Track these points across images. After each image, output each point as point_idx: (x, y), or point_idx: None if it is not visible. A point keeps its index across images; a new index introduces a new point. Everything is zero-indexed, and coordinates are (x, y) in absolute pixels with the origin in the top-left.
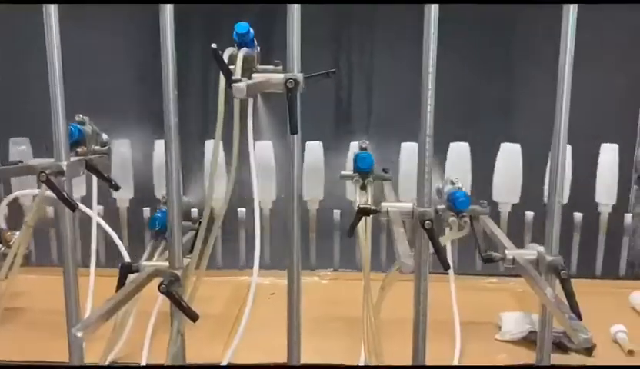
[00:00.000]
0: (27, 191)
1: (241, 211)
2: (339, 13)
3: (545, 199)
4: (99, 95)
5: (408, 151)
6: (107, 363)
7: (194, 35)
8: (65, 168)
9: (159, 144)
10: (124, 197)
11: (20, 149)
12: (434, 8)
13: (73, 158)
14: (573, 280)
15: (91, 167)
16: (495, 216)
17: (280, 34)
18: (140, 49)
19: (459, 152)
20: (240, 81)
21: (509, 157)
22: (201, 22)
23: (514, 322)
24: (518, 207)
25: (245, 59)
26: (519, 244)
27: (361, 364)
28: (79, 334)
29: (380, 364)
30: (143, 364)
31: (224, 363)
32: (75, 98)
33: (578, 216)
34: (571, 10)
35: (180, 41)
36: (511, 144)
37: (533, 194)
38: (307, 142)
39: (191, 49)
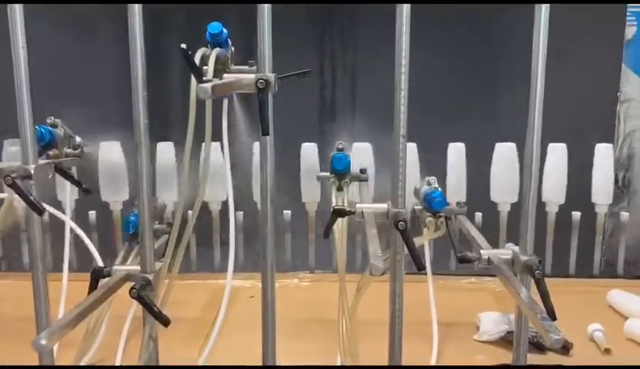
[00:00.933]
0: None
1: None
2: (323, 13)
3: (547, 198)
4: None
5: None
6: None
7: (175, 36)
8: (32, 172)
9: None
10: (117, 200)
11: (13, 150)
12: (405, 8)
13: (42, 161)
14: (550, 279)
15: (60, 171)
16: (495, 215)
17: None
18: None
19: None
20: (210, 81)
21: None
22: (183, 22)
23: (492, 322)
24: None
25: (218, 60)
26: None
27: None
28: (43, 342)
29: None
30: None
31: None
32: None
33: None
34: (543, 10)
35: (162, 42)
36: (506, 143)
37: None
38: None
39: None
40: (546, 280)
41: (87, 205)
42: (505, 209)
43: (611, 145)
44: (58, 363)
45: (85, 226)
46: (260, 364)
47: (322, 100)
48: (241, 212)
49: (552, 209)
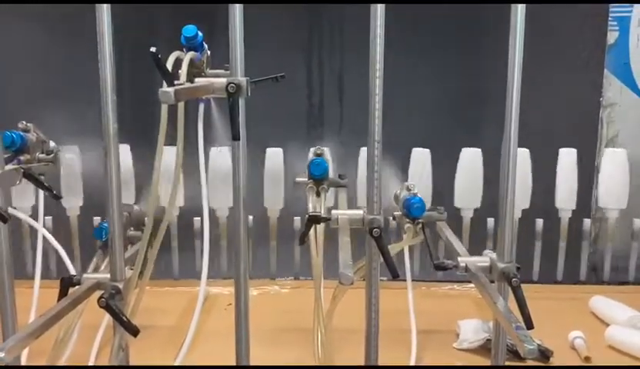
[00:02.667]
0: None
1: (197, 220)
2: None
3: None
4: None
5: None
6: None
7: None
8: None
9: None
10: (74, 205)
11: None
12: (380, 8)
13: (8, 167)
14: (536, 286)
15: (29, 176)
16: (458, 221)
17: (249, 37)
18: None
19: (420, 158)
20: (181, 85)
21: (471, 162)
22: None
23: (472, 330)
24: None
25: (193, 63)
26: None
27: None
28: (2, 354)
29: None
30: None
31: None
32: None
33: (539, 222)
34: (519, 10)
35: (145, 44)
36: (471, 149)
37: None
38: (267, 148)
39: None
40: (532, 286)
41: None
42: (467, 215)
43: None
44: None
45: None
46: None
47: (310, 105)
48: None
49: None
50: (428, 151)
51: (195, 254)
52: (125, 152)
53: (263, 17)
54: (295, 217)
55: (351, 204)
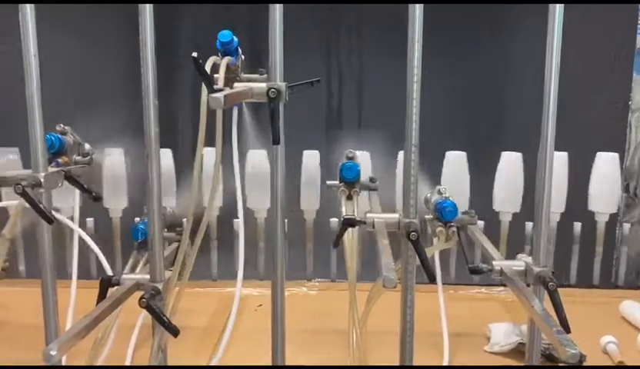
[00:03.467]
0: (6, 203)
1: (237, 221)
2: (329, 20)
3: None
4: (89, 102)
5: None
6: None
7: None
8: (42, 180)
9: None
10: (116, 208)
11: (10, 159)
12: (418, 9)
13: (51, 169)
14: (570, 290)
15: (70, 178)
16: (496, 225)
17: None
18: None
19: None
20: (221, 90)
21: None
22: (192, 30)
23: (503, 333)
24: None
25: (229, 68)
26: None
27: None
28: (53, 353)
29: None
30: None
31: None
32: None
33: (576, 225)
34: (557, 10)
35: (172, 50)
36: (511, 152)
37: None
38: (304, 151)
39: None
40: (566, 290)
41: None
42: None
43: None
44: None
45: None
46: None
47: (329, 107)
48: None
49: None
50: (464, 154)
51: (234, 255)
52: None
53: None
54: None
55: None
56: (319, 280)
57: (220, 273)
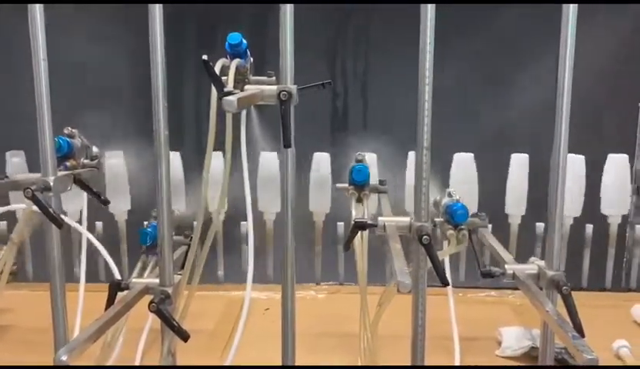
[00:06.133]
0: (14, 206)
1: (244, 224)
2: (336, 22)
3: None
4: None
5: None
6: None
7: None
8: (51, 184)
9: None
10: (121, 210)
11: (15, 162)
12: (430, 8)
13: (61, 173)
14: (583, 293)
15: (79, 182)
16: (506, 228)
17: (274, 44)
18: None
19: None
20: (232, 93)
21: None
22: (197, 32)
23: (514, 338)
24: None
25: (238, 70)
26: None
27: None
28: (64, 358)
29: None
30: None
31: None
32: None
33: (588, 228)
34: (571, 10)
35: (180, 52)
36: (519, 154)
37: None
38: (314, 153)
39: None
40: (578, 293)
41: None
42: (515, 221)
43: None
44: None
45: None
46: None
47: (335, 109)
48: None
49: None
50: (471, 155)
51: (241, 258)
52: (176, 159)
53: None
54: (339, 223)
55: None
56: (328, 283)
57: (226, 276)
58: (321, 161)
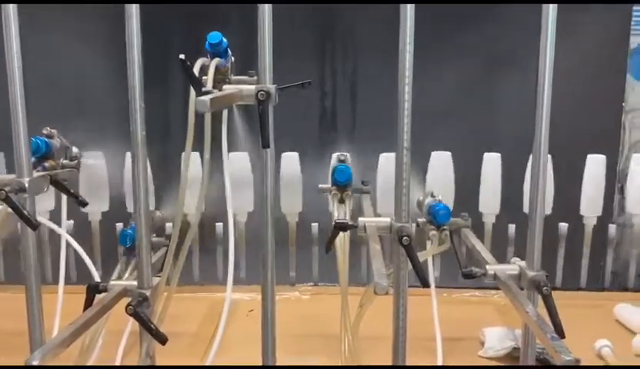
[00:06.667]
0: None
1: (219, 225)
2: (322, 22)
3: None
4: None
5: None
6: None
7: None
8: (26, 185)
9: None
10: (96, 211)
11: None
12: (409, 8)
13: (36, 174)
14: (558, 292)
15: (56, 183)
16: (480, 227)
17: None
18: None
19: (442, 162)
20: (210, 92)
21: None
22: (181, 32)
23: (497, 338)
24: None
25: (218, 70)
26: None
27: None
28: (35, 363)
29: None
30: None
31: None
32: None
33: (562, 227)
34: (551, 10)
35: (161, 52)
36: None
37: (514, 205)
38: (282, 153)
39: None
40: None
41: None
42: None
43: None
44: None
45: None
46: None
47: (323, 109)
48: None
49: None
50: (449, 154)
51: (217, 259)
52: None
53: (274, 19)
54: (313, 223)
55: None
56: (306, 285)
57: (208, 277)
58: (291, 160)
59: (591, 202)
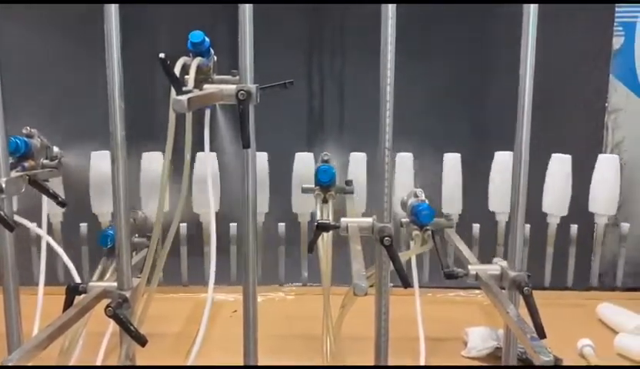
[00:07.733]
0: None
1: (233, 226)
2: (311, 22)
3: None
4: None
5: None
6: None
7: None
8: (3, 185)
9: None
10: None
11: None
12: (391, 8)
13: (15, 174)
14: (545, 292)
15: (34, 183)
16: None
17: (258, 44)
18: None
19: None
20: (190, 91)
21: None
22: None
23: (480, 338)
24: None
25: (200, 69)
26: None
27: None
28: (12, 364)
29: None
30: None
31: None
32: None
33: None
34: (532, 10)
35: (148, 51)
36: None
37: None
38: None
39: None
40: (541, 292)
41: (78, 218)
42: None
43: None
44: None
45: (77, 239)
46: None
47: (310, 109)
48: (235, 223)
49: (553, 221)
50: (410, 155)
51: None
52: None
53: (262, 18)
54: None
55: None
56: (296, 284)
57: (193, 278)
58: (260, 159)
59: (556, 202)
